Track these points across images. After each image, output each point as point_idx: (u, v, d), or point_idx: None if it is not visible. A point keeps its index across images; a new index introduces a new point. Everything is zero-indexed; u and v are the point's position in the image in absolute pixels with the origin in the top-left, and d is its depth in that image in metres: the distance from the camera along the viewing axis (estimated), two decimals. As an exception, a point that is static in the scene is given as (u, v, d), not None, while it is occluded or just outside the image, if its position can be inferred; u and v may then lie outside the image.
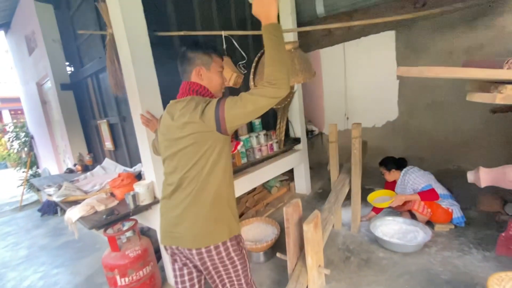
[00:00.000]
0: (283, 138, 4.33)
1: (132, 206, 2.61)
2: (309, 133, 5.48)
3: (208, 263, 1.67)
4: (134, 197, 2.62)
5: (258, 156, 3.90)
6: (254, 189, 4.50)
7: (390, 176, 3.58)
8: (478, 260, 2.90)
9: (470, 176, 2.68)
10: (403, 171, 3.48)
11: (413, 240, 3.12)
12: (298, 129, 4.57)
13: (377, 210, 3.70)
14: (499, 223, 3.46)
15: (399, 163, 3.55)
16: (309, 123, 5.62)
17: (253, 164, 3.78)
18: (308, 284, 2.50)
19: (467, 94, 2.01)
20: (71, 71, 4.47)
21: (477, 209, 3.77)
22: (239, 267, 1.74)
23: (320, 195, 4.63)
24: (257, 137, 3.96)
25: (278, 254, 2.71)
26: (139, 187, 2.66)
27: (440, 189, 3.35)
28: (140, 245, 2.72)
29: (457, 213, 3.33)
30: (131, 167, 3.52)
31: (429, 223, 3.45)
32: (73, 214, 2.48)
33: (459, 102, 4.36)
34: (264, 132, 4.06)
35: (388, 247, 3.13)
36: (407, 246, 3.01)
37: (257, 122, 4.09)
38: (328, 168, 3.58)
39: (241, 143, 3.59)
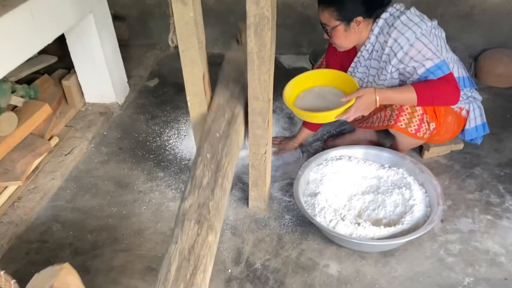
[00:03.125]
0: None
1: None
2: None
3: None
4: None
5: None
6: None
7: (346, 37, 1.28)
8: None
9: None
10: (382, 19, 1.27)
11: (407, 219, 1.21)
12: None
13: (313, 126, 1.63)
14: None
15: None
16: None
17: None
18: None
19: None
20: None
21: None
22: None
23: (154, 98, 2.07)
24: None
25: None
26: None
27: (459, 68, 1.38)
28: None
29: (476, 117, 1.46)
30: None
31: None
32: None
33: None
34: None
35: (350, 247, 1.21)
36: (398, 243, 1.12)
37: None
38: (171, 39, 1.24)
39: None
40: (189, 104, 1.22)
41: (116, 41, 1.93)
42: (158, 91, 2.13)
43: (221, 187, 0.99)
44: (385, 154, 1.42)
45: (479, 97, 1.45)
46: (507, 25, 2.05)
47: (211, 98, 1.23)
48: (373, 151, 1.44)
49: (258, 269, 1.20)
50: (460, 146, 1.54)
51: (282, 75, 2.21)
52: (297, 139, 1.60)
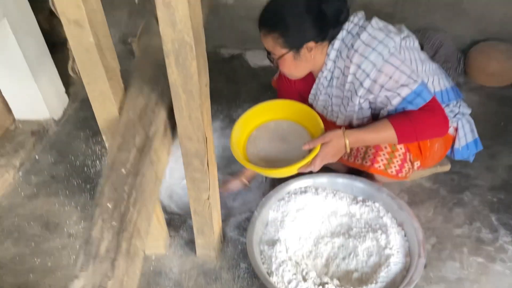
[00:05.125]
0: None
1: None
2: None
3: None
4: None
5: None
6: None
7: (296, 66, 1.04)
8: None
9: None
10: (339, 39, 1.01)
11: (381, 276, 0.99)
12: None
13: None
14: None
15: (325, 16, 0.96)
16: None
17: None
18: None
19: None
20: None
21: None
22: None
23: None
24: None
25: None
26: None
27: (440, 80, 1.13)
28: None
29: (466, 134, 1.23)
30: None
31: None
32: None
33: None
34: None
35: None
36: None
37: None
38: (72, 68, 1.00)
39: None
40: (107, 145, 0.96)
41: (45, 46, 1.62)
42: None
43: (127, 254, 0.71)
44: (358, 185, 1.19)
45: (468, 110, 1.22)
46: (500, 14, 1.79)
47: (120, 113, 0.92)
48: (344, 181, 1.21)
49: None
50: (447, 167, 1.33)
51: (247, 76, 1.95)
52: (245, 174, 1.28)
